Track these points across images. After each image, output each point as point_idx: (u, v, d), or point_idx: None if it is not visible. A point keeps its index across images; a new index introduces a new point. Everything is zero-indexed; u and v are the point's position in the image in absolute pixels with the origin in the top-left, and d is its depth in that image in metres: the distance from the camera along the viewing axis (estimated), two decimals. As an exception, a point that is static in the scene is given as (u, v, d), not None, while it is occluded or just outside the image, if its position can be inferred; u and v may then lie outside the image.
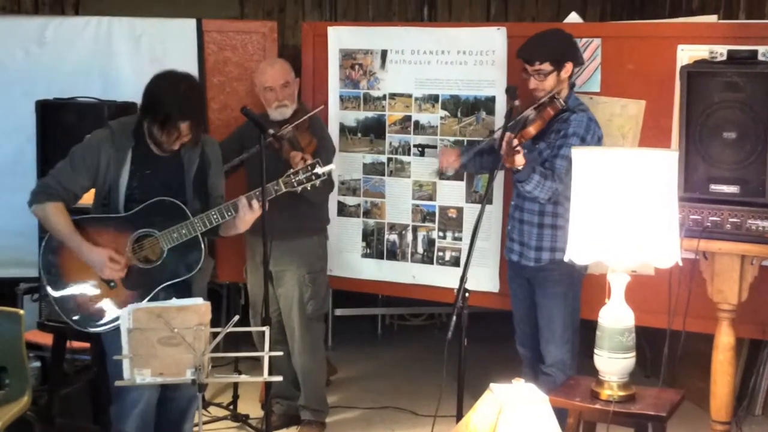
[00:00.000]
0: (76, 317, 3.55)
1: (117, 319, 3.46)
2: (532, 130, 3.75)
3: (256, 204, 3.53)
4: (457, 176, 4.59)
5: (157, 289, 3.52)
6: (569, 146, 3.71)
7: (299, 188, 3.61)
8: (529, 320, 4.04)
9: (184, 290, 3.53)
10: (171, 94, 3.42)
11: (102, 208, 3.56)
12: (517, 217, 3.98)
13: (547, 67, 3.80)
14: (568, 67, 3.86)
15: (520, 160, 3.64)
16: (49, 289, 3.57)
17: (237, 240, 4.09)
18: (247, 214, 3.53)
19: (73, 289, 3.55)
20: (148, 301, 3.45)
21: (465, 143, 4.52)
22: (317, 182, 3.62)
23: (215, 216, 3.51)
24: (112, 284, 3.53)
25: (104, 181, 3.53)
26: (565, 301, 3.91)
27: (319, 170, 3.59)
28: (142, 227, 3.51)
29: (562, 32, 3.95)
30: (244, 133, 4.36)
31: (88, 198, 3.69)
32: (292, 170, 3.61)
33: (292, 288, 4.42)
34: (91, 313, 3.54)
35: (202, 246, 3.56)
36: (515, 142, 3.63)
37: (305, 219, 4.34)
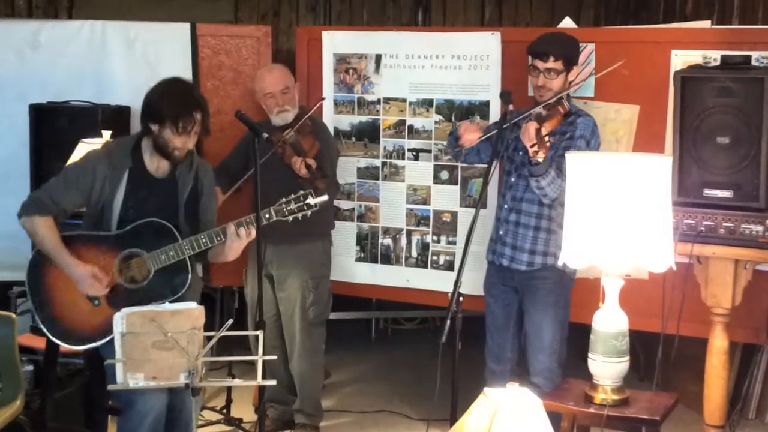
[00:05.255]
0: (59, 334, 3.53)
1: (99, 337, 3.47)
2: (550, 125, 3.71)
3: (243, 232, 3.51)
4: (451, 180, 4.59)
5: None
6: (576, 148, 3.73)
7: (290, 218, 3.60)
8: (507, 330, 4.01)
9: None
10: (174, 91, 3.48)
11: (93, 227, 3.56)
12: (513, 219, 3.94)
13: (559, 65, 3.81)
14: (575, 71, 3.89)
15: (542, 154, 3.61)
16: (33, 304, 3.55)
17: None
18: (235, 241, 3.53)
19: (56, 307, 3.53)
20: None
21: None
22: (308, 213, 3.61)
23: (204, 240, 3.50)
24: (96, 302, 3.51)
25: (98, 201, 3.53)
26: (556, 310, 3.90)
27: (311, 201, 3.58)
28: (131, 246, 3.50)
29: (572, 36, 3.97)
30: (247, 145, 4.35)
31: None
32: (284, 199, 3.60)
33: (295, 292, 4.42)
34: (73, 330, 3.52)
35: (189, 269, 3.54)
36: (544, 130, 3.59)
37: (310, 223, 4.32)
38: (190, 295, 3.63)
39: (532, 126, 3.62)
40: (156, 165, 3.58)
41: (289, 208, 3.59)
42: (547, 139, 3.58)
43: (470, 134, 3.96)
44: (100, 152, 3.58)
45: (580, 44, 4.07)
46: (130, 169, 3.54)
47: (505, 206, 3.99)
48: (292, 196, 3.60)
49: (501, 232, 3.99)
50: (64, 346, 3.56)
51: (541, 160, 3.63)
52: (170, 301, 3.51)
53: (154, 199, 3.55)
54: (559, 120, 3.77)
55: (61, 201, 3.50)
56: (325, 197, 3.66)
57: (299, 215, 3.60)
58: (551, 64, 3.81)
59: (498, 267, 4.02)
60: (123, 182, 3.52)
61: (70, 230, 3.56)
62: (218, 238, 3.52)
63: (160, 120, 3.46)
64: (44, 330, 3.54)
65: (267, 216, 3.57)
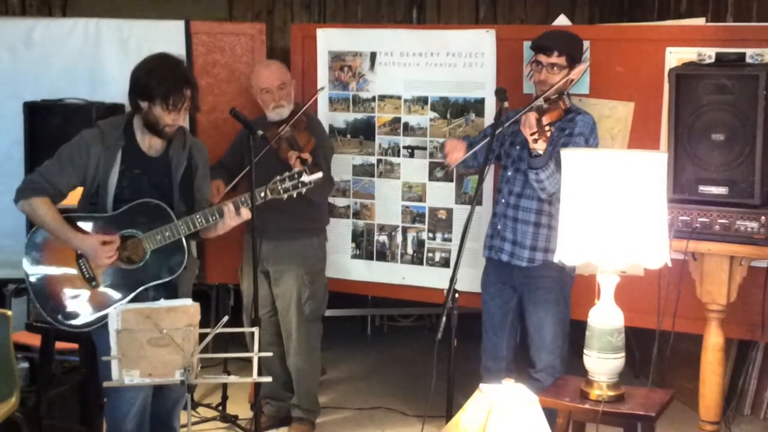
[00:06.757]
0: (55, 314, 3.53)
1: (97, 317, 3.49)
2: (550, 116, 3.72)
3: (243, 211, 3.54)
4: (446, 177, 4.59)
5: (138, 290, 3.51)
6: (575, 145, 3.73)
7: (284, 195, 3.60)
8: (503, 328, 4.02)
9: (170, 291, 3.53)
10: (163, 68, 3.46)
11: (90, 206, 3.55)
12: (511, 215, 3.93)
13: (563, 61, 3.82)
14: (577, 69, 3.88)
15: (542, 144, 3.62)
16: (30, 284, 3.56)
17: (226, 241, 4.08)
18: (233, 219, 3.55)
19: (54, 286, 3.53)
20: (130, 301, 3.45)
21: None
22: (303, 190, 3.61)
23: (200, 219, 3.51)
24: (94, 283, 3.52)
25: (93, 180, 3.52)
26: (557, 308, 3.90)
27: (305, 178, 3.58)
28: (126, 227, 3.51)
29: (577, 35, 3.98)
30: (242, 142, 4.35)
31: (72, 200, 3.68)
32: (278, 177, 3.60)
33: (291, 288, 4.42)
34: (70, 310, 3.52)
35: (185, 249, 3.55)
36: (545, 120, 3.60)
37: (305, 219, 4.34)
38: (187, 276, 3.66)
39: (533, 115, 3.64)
40: (148, 143, 3.57)
41: (283, 185, 3.58)
42: (547, 128, 3.59)
43: (455, 153, 3.94)
44: (93, 132, 3.56)
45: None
46: (123, 147, 3.53)
47: (502, 200, 3.98)
48: (287, 173, 3.60)
49: (499, 227, 3.97)
50: (63, 327, 3.54)
51: (540, 151, 3.64)
52: (167, 281, 3.53)
53: (148, 178, 3.55)
54: (559, 114, 3.78)
55: (56, 182, 3.49)
56: (319, 174, 3.65)
57: (294, 193, 3.59)
58: (555, 59, 3.82)
59: (497, 263, 4.00)
60: (117, 161, 3.51)
61: (65, 213, 3.55)
62: (213, 218, 3.53)
63: (150, 98, 3.44)
64: (42, 312, 3.54)
65: (262, 195, 3.57)
